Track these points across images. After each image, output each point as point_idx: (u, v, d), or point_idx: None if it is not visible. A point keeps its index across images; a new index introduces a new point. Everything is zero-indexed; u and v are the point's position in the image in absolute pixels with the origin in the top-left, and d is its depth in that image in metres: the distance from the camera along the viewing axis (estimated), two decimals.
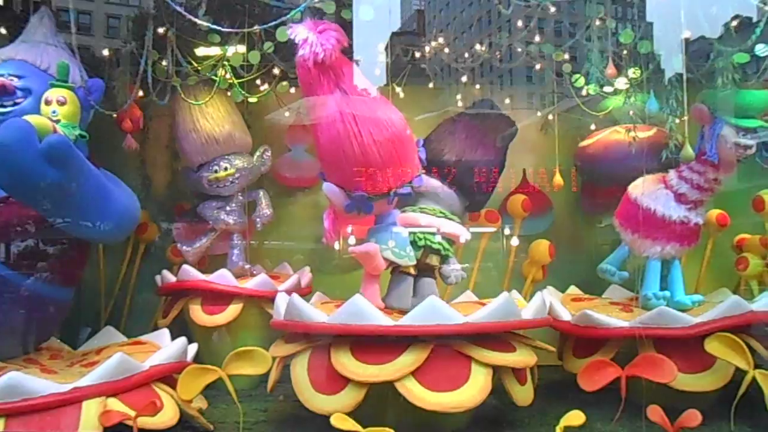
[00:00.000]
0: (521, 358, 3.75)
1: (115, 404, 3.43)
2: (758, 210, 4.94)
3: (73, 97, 4.02)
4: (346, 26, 5.75)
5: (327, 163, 4.16)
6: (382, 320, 3.61)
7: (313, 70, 3.96)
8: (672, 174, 4.56)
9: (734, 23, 4.77)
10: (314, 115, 4.09)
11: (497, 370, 3.65)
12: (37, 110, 3.91)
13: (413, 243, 4.38)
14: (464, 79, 5.94)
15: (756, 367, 3.68)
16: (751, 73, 4.61)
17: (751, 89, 4.35)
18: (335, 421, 3.34)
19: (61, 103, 3.93)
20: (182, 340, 4.16)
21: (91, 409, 3.32)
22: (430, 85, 6.13)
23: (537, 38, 5.42)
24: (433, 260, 4.49)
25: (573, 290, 5.25)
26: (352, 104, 3.99)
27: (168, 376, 3.89)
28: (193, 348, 4.29)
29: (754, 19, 4.67)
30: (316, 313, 3.79)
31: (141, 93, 4.71)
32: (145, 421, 3.41)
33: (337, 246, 5.90)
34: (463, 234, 4.62)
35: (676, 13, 4.39)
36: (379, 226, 4.31)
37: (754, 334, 4.15)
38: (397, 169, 4.17)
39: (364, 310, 3.63)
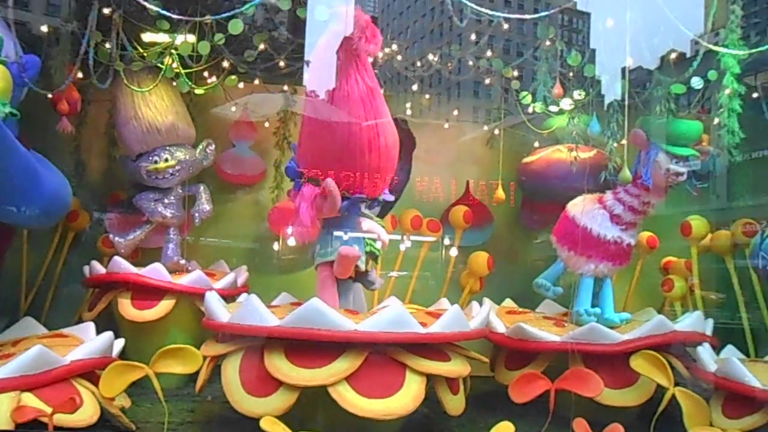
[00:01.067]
0: (455, 367, 3.78)
1: (30, 399, 3.25)
2: (685, 234, 5.18)
3: (5, 72, 3.78)
4: (300, 25, 5.71)
5: (330, 160, 4.06)
6: (345, 325, 3.54)
7: (362, 56, 4.08)
8: (609, 195, 4.71)
9: (673, 56, 5.00)
10: (315, 112, 4.06)
11: (431, 379, 3.66)
12: None
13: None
14: (415, 87, 5.98)
15: (676, 384, 3.84)
16: (685, 104, 4.84)
17: (686, 119, 4.56)
18: (265, 424, 3.26)
19: None
20: (108, 334, 3.98)
21: (3, 404, 3.13)
22: (381, 91, 6.13)
23: (488, 53, 5.51)
24: (369, 266, 4.47)
25: (508, 303, 5.35)
26: (376, 106, 4.07)
27: (90, 371, 3.71)
28: (119, 343, 4.12)
29: (688, 54, 4.91)
30: (271, 316, 3.68)
31: (81, 75, 4.51)
32: (62, 419, 3.23)
33: (276, 246, 5.84)
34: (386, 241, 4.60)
35: (617, 42, 4.57)
36: (348, 230, 4.25)
37: (674, 352, 4.33)
38: (391, 175, 4.28)
39: (326, 313, 3.55)
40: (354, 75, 4.08)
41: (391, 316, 3.65)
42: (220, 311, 3.92)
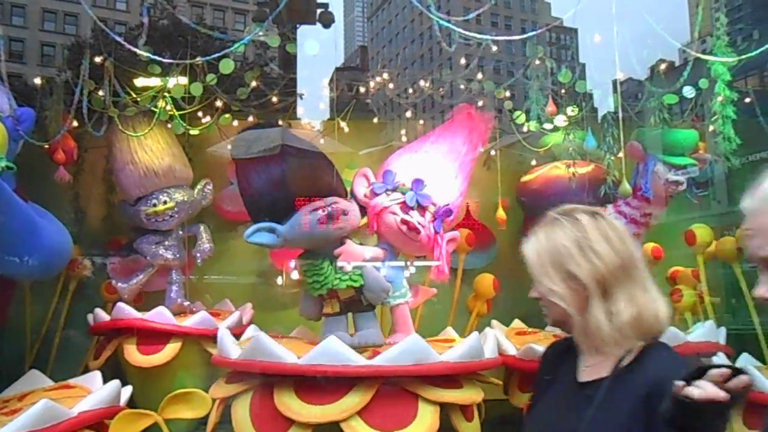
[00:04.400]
0: (469, 394, 3.72)
1: None
2: (690, 243, 5.14)
3: (0, 126, 3.82)
4: (290, 60, 5.76)
5: None
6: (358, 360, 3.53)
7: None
8: (610, 209, 4.70)
9: (663, 66, 5.04)
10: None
11: (444, 407, 3.60)
12: None
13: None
14: (408, 114, 6.01)
15: None
16: (678, 113, 4.85)
17: (680, 128, 4.57)
18: None
19: None
20: (115, 383, 3.92)
21: None
22: (375, 119, 6.17)
23: (479, 75, 5.55)
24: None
25: (517, 324, 5.29)
26: None
27: (99, 422, 3.64)
28: (127, 391, 4.05)
29: (677, 63, 4.94)
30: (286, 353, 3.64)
31: (75, 123, 4.53)
32: None
33: (280, 281, 5.80)
34: None
35: (606, 55, 4.60)
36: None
37: None
38: None
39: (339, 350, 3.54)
40: None
41: (410, 348, 3.60)
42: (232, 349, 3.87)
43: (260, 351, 3.64)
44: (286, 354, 3.59)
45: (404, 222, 4.18)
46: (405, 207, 4.26)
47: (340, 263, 4.07)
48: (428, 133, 4.88)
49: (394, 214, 4.22)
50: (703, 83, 4.52)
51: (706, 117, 4.72)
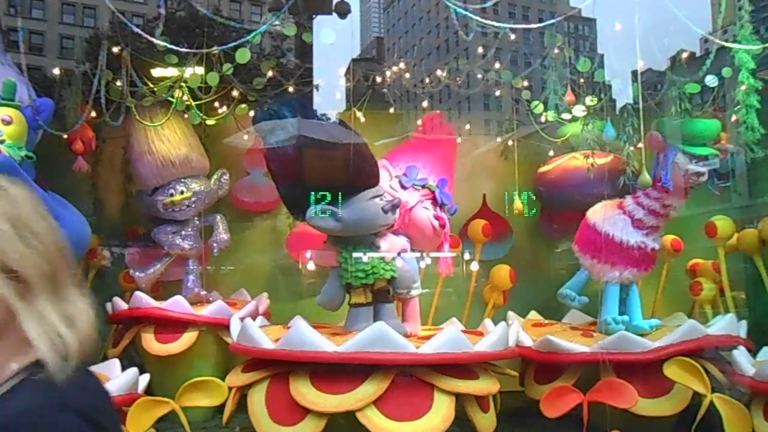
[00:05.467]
0: (484, 385, 3.71)
1: None
2: (711, 235, 5.06)
3: (20, 116, 3.86)
4: (307, 49, 5.74)
5: None
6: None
7: None
8: (629, 200, 4.63)
9: (684, 55, 4.95)
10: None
11: (460, 398, 3.60)
12: None
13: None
14: (425, 104, 5.98)
15: (712, 391, 3.72)
16: (699, 103, 4.77)
17: (702, 118, 4.49)
18: None
19: (7, 123, 3.76)
20: (133, 370, 3.96)
21: None
22: (391, 110, 6.14)
23: (497, 65, 5.50)
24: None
25: (533, 315, 5.26)
26: None
27: (117, 409, 3.69)
28: (144, 379, 4.10)
29: (697, 53, 4.85)
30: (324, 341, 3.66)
31: (93, 114, 4.56)
32: None
33: (295, 271, 5.82)
34: None
35: (625, 45, 4.53)
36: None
37: (708, 357, 4.22)
38: None
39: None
40: None
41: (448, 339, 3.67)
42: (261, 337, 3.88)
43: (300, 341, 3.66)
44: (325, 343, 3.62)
45: (436, 217, 4.34)
46: (434, 203, 4.41)
47: (385, 254, 4.12)
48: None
49: (427, 209, 4.36)
50: (727, 72, 4.43)
51: (728, 107, 4.64)
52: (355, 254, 4.11)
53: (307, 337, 3.62)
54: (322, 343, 3.59)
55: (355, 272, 4.07)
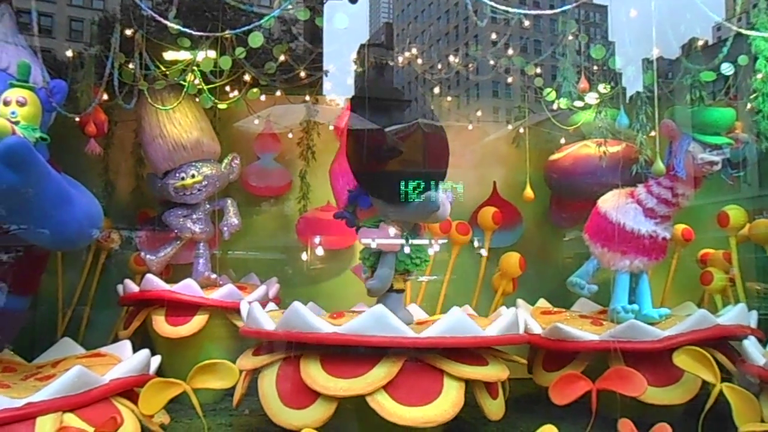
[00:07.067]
0: (493, 371, 3.72)
1: (72, 420, 3.26)
2: (723, 225, 5.03)
3: (34, 98, 3.86)
4: (318, 35, 5.71)
5: None
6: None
7: None
8: (640, 189, 4.61)
9: (699, 43, 4.90)
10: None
11: (469, 384, 3.61)
12: None
13: None
14: (436, 90, 5.95)
15: (722, 380, 3.72)
16: (714, 91, 4.72)
17: (717, 107, 4.45)
18: None
19: (21, 104, 3.76)
20: (145, 352, 4.00)
21: (46, 426, 3.14)
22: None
23: (510, 51, 5.46)
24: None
25: (542, 303, 5.26)
26: None
27: (129, 390, 3.73)
28: (155, 360, 4.14)
29: (710, 42, 4.80)
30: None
31: (106, 96, 4.56)
32: None
33: (304, 257, 5.84)
34: None
35: (638, 33, 4.48)
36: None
37: (719, 347, 4.21)
38: None
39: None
40: None
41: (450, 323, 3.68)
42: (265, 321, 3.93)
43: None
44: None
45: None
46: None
47: (423, 242, 4.27)
48: None
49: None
50: (743, 59, 4.38)
51: (743, 95, 4.59)
52: (415, 241, 4.20)
53: (306, 318, 3.66)
54: (320, 324, 3.63)
55: (414, 258, 4.16)
